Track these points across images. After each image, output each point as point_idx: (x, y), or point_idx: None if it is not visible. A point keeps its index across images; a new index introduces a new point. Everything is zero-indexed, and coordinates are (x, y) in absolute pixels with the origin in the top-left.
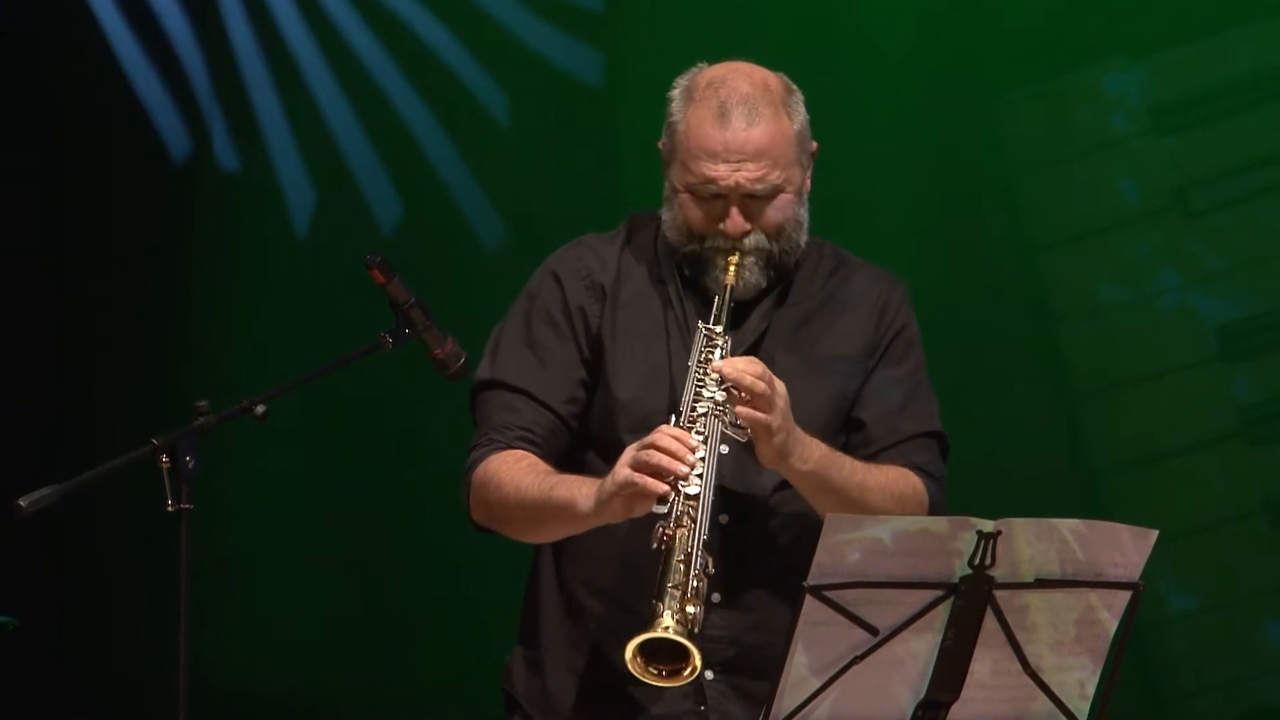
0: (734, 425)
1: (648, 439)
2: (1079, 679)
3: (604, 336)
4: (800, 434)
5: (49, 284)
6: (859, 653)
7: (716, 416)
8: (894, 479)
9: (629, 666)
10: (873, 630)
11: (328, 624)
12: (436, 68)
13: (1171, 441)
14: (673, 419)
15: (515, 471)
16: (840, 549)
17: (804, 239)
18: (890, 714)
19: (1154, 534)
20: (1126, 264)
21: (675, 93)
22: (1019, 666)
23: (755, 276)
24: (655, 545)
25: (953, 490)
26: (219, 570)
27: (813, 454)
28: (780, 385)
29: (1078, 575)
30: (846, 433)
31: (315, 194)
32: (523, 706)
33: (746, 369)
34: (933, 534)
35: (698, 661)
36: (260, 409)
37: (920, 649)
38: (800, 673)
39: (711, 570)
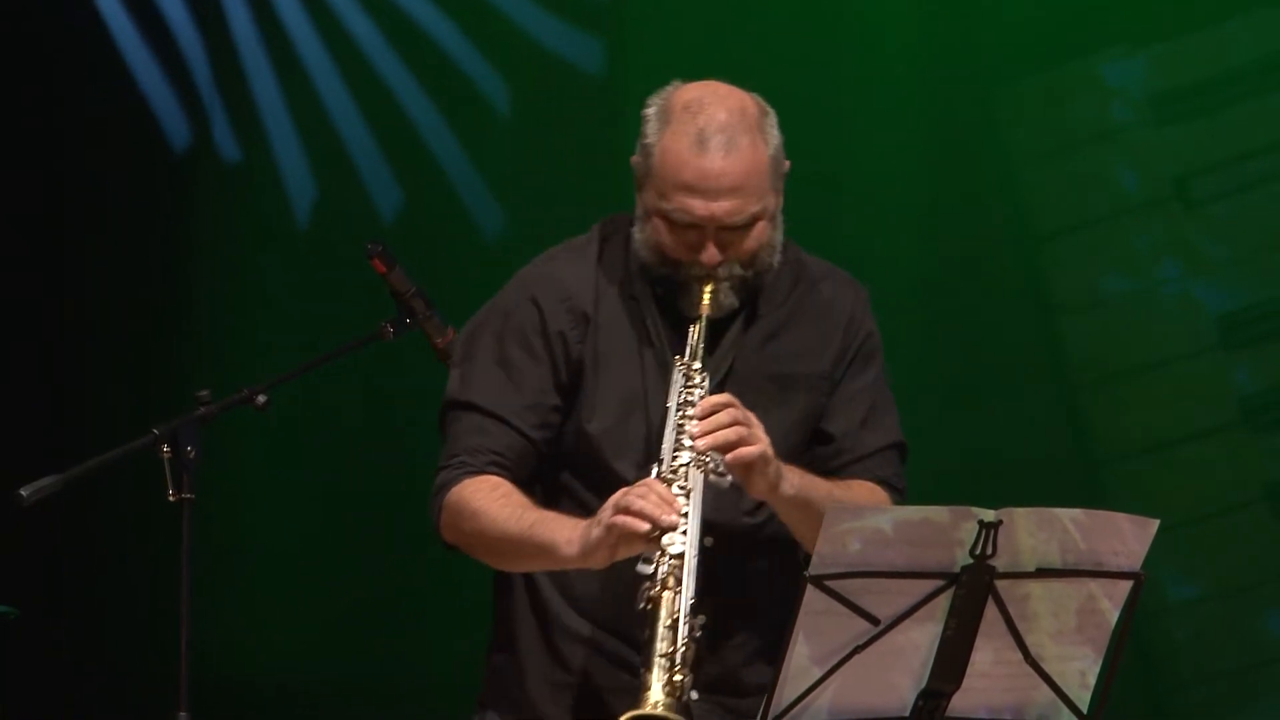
0: (716, 473)
1: (632, 493)
2: (1080, 668)
3: (585, 363)
4: (779, 462)
5: (49, 274)
6: (860, 642)
7: (699, 466)
8: (862, 496)
9: None
10: (874, 620)
11: (329, 614)
12: (437, 56)
13: (1172, 431)
14: (654, 470)
15: (490, 502)
16: (841, 538)
17: (777, 259)
18: (891, 703)
19: (1155, 523)
20: (1127, 254)
21: (650, 111)
22: (1020, 656)
23: (729, 300)
24: (641, 605)
25: (954, 479)
26: (220, 560)
27: (794, 479)
28: (756, 422)
29: (1079, 565)
30: (812, 445)
31: (316, 183)
32: (502, 713)
33: (721, 421)
34: (934, 523)
35: None
36: (261, 398)
37: (921, 639)
38: (801, 662)
39: (699, 633)
